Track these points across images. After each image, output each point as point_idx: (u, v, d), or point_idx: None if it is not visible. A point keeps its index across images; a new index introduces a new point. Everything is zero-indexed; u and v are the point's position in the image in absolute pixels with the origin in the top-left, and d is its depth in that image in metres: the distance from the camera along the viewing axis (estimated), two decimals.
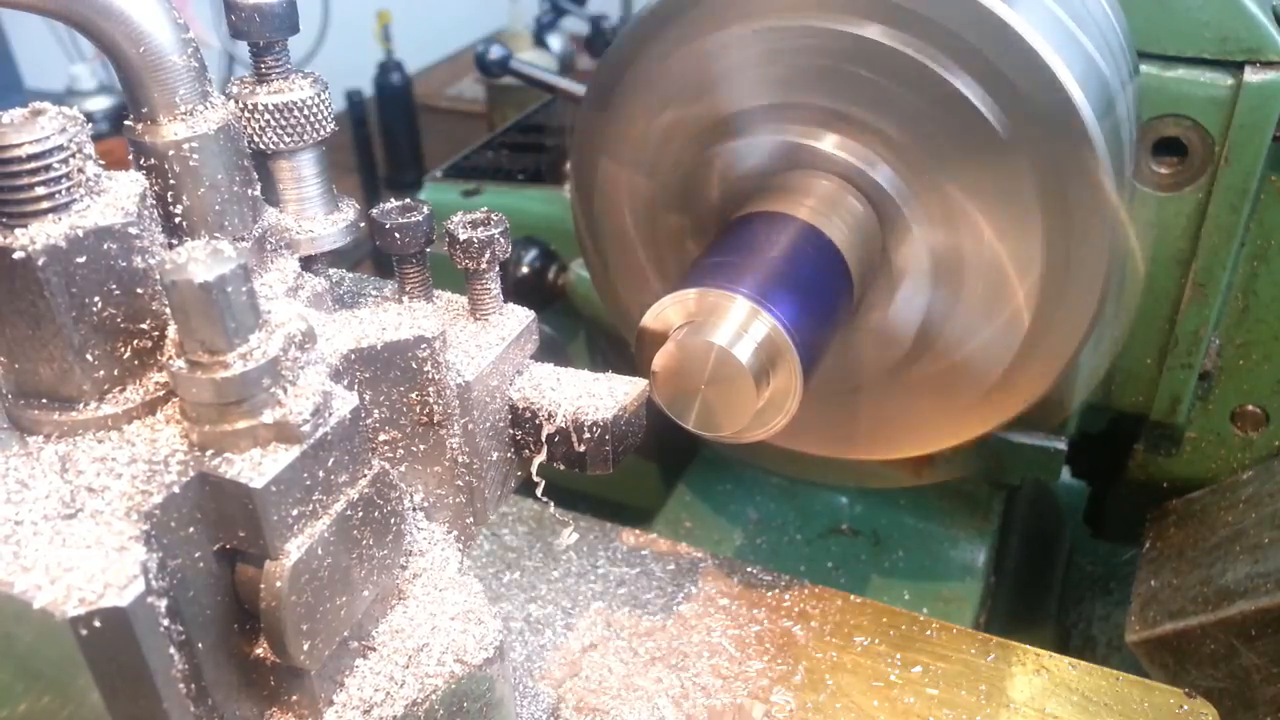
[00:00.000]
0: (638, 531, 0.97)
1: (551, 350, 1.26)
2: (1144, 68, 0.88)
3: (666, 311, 0.70)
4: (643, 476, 1.32)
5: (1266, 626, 0.88)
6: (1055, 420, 1.01)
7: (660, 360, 0.69)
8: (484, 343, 0.66)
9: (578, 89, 1.21)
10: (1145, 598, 1.00)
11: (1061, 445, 1.02)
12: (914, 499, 1.16)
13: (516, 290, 1.22)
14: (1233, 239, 0.92)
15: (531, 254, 1.23)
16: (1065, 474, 1.29)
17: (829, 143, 0.78)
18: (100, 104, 2.36)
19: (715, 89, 0.79)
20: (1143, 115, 0.88)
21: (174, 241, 0.52)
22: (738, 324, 0.67)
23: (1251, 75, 0.85)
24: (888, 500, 1.17)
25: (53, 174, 0.44)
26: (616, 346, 1.25)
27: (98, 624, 0.40)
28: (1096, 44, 0.76)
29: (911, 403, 0.87)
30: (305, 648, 0.48)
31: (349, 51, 2.81)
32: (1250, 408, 1.03)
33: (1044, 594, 1.33)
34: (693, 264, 0.77)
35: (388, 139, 2.91)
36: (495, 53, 1.27)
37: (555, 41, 3.12)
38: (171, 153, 0.51)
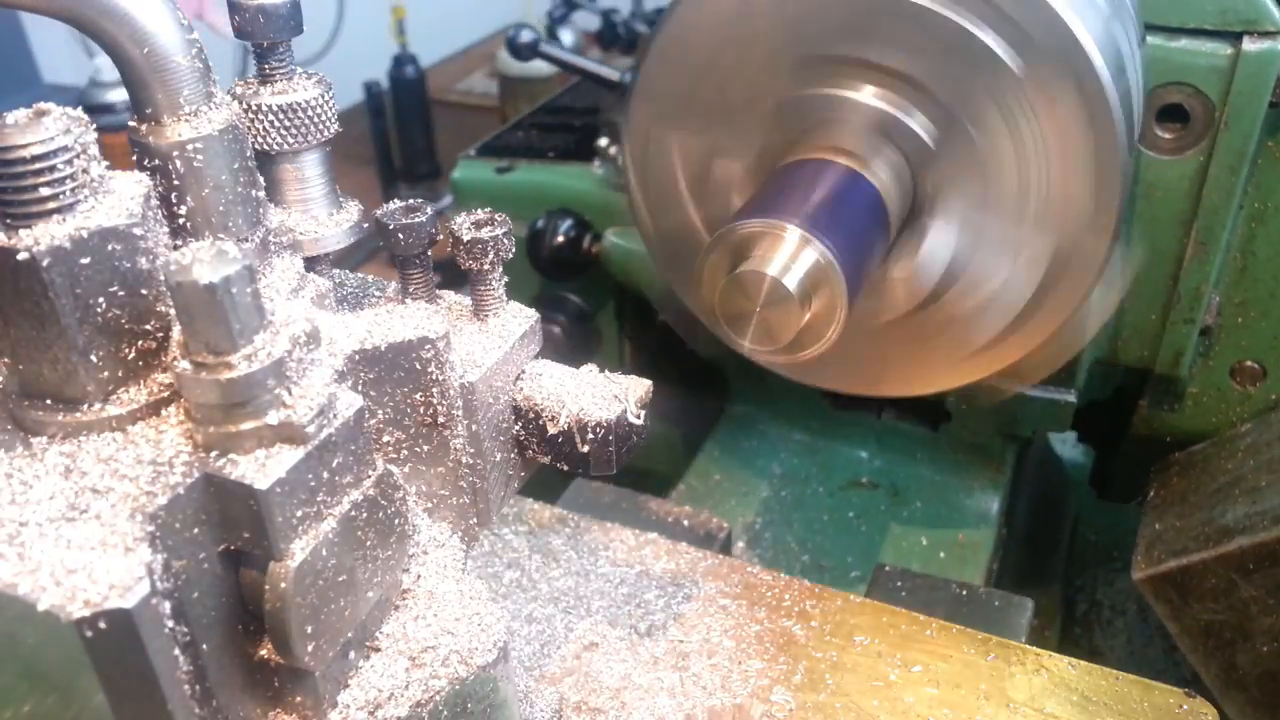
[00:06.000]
0: (637, 531, 0.97)
1: (580, 319, 1.30)
2: (1150, 39, 0.93)
3: (727, 241, 0.77)
4: (666, 445, 1.37)
5: (1263, 560, 0.93)
6: (1066, 356, 1.06)
7: (723, 288, 0.76)
8: (488, 343, 0.65)
9: (606, 71, 1.27)
10: (1150, 539, 1.05)
11: (1071, 398, 1.10)
12: (930, 453, 1.23)
13: (553, 258, 1.27)
14: (1232, 199, 0.97)
15: (566, 224, 1.28)
16: (1070, 452, 1.36)
17: (867, 93, 0.84)
18: (123, 94, 2.34)
19: (760, 46, 0.85)
20: (1149, 83, 0.94)
21: (178, 243, 0.52)
22: (789, 253, 0.74)
23: (1249, 45, 0.90)
24: (906, 454, 1.25)
25: (57, 175, 0.44)
26: (644, 314, 1.32)
27: (103, 626, 0.40)
28: (1113, 9, 0.82)
29: (934, 340, 0.93)
30: (310, 649, 0.48)
31: (365, 44, 2.82)
32: (1248, 363, 1.08)
33: (1051, 554, 1.40)
34: (746, 202, 0.83)
35: (402, 132, 2.90)
36: (526, 36, 1.31)
37: (567, 35, 3.12)
38: (175, 154, 0.51)
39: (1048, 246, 0.84)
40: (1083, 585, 1.43)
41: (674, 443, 1.37)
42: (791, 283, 0.74)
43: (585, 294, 1.35)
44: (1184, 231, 1.01)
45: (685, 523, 1.03)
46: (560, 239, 1.27)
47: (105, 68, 2.41)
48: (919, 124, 0.83)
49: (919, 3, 0.78)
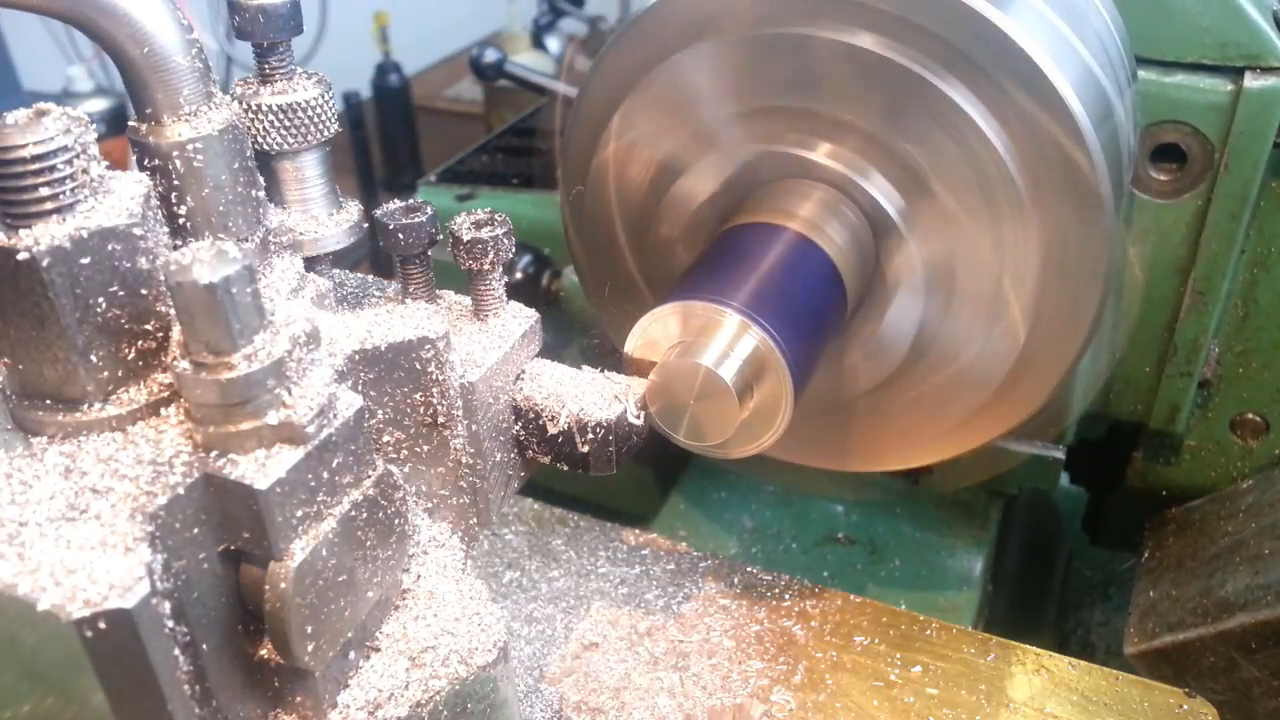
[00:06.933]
0: (638, 531, 0.97)
1: (544, 356, 1.27)
2: (1143, 73, 0.87)
3: (656, 324, 0.70)
4: (638, 482, 1.32)
5: (1267, 639, 0.87)
6: (1053, 432, 1.00)
7: (652, 378, 0.69)
8: (488, 343, 0.66)
9: (572, 92, 1.21)
10: (1144, 609, 0.99)
11: (1059, 454, 1.02)
12: (910, 507, 1.16)
13: (510, 296, 1.23)
14: (1232, 246, 0.91)
15: (525, 259, 1.23)
16: (1065, 479, 1.30)
17: (821, 152, 0.77)
18: (97, 105, 2.35)
19: (707, 97, 0.78)
20: (1141, 122, 0.87)
21: (178, 243, 0.52)
22: (726, 341, 0.67)
23: (1251, 81, 0.84)
24: (884, 509, 1.17)
25: (57, 175, 0.44)
26: (610, 352, 1.25)
27: (102, 626, 0.40)
28: (1094, 50, 0.76)
29: (906, 415, 0.85)
30: (309, 649, 0.48)
31: (347, 53, 2.81)
32: (1250, 416, 1.03)
33: (1043, 600, 1.33)
34: (683, 274, 0.76)
35: (385, 140, 2.91)
36: (490, 56, 1.28)
37: (553, 43, 3.13)
38: (175, 153, 0.51)
39: (1027, 313, 0.76)
40: (1075, 627, 1.35)
41: (645, 481, 1.29)
42: (728, 374, 0.66)
43: (551, 330, 1.29)
44: (1181, 279, 0.93)
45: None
46: (519, 275, 1.21)
47: (78, 77, 2.42)
48: (878, 186, 0.75)
49: (884, 56, 0.70)
